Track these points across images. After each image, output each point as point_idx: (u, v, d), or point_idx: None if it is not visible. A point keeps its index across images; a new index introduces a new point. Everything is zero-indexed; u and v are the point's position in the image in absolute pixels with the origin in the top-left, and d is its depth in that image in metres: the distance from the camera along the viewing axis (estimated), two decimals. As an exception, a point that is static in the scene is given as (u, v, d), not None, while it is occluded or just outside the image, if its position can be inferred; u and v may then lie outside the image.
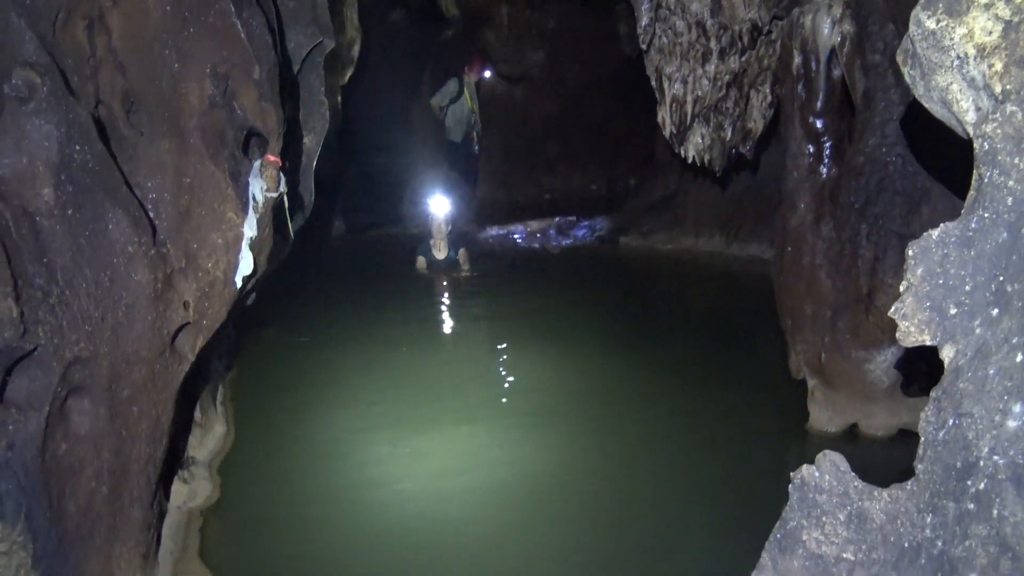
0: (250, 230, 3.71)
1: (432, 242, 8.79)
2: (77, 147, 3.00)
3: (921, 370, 4.62)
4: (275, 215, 4.01)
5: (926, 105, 1.92)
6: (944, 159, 4.27)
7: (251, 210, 3.71)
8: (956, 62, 1.74)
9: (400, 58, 11.50)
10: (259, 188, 3.75)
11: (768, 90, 5.53)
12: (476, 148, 11.46)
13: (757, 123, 5.67)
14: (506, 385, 6.03)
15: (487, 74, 11.60)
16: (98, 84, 3.42)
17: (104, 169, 3.14)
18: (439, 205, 8.77)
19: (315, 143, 5.04)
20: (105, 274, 3.10)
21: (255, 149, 3.99)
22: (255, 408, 5.42)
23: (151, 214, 3.43)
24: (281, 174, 3.85)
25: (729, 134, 5.62)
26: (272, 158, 3.80)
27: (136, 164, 3.47)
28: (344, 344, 6.78)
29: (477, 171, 11.80)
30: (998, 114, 1.65)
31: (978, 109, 1.73)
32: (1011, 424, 1.54)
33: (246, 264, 3.73)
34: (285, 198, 3.97)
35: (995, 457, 1.55)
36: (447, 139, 11.29)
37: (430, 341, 7.13)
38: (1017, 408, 1.54)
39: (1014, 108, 1.64)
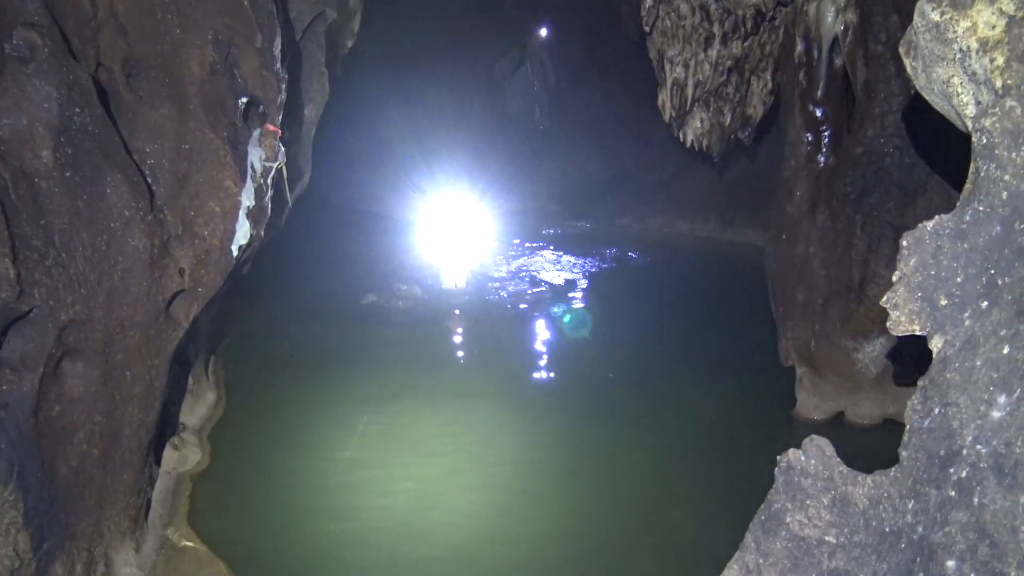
0: (248, 199, 3.71)
1: (442, 270, 7.40)
2: (77, 109, 2.99)
3: (908, 361, 4.65)
4: (273, 185, 4.01)
5: (927, 97, 1.93)
6: (941, 152, 4.29)
7: (249, 179, 3.70)
8: (958, 55, 1.75)
9: (403, 31, 11.41)
10: (258, 157, 3.75)
11: (769, 77, 5.51)
12: (537, 124, 11.08)
13: (757, 109, 5.66)
14: (497, 366, 6.05)
15: (543, 33, 10.85)
16: (99, 47, 3.40)
17: (104, 132, 3.12)
18: (458, 244, 7.33)
19: (315, 114, 5.02)
20: (102, 238, 3.10)
21: (255, 118, 3.98)
22: (246, 377, 5.43)
23: (149, 180, 3.42)
24: (280, 144, 3.84)
25: (729, 119, 5.61)
26: (272, 127, 3.79)
27: (135, 129, 3.46)
28: (337, 315, 6.78)
29: (540, 148, 11.43)
30: (997, 108, 1.67)
31: (978, 103, 1.74)
32: (995, 414, 1.57)
33: (243, 233, 3.73)
34: (284, 168, 3.97)
35: (978, 446, 1.58)
36: (508, 112, 11.00)
37: (427, 312, 7.13)
38: (1002, 399, 1.57)
39: (1014, 103, 1.65)
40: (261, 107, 3.92)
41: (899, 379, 4.65)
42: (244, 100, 3.79)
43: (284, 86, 3.93)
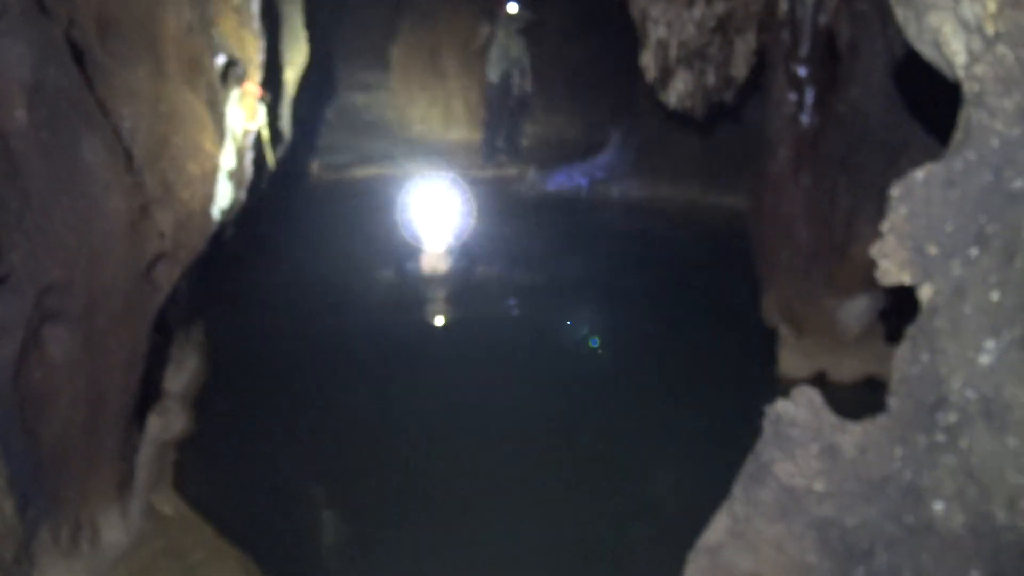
0: (228, 161, 3.66)
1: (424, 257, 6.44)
2: (51, 69, 2.92)
3: (890, 320, 4.70)
4: (254, 147, 3.95)
5: (917, 47, 1.92)
6: (925, 112, 4.30)
7: (229, 141, 3.65)
8: (950, 2, 1.74)
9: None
10: (237, 118, 3.69)
11: (753, 37, 5.48)
12: (516, 90, 11.04)
13: (740, 70, 5.63)
14: (478, 328, 6.05)
15: (512, 7, 10.81)
16: (72, 5, 3.32)
17: (79, 93, 3.06)
18: (437, 209, 6.40)
19: (294, 76, 4.95)
20: (81, 201, 3.05)
21: (233, 79, 3.91)
22: (229, 343, 5.39)
23: (127, 142, 3.37)
24: (261, 105, 3.78)
25: (712, 80, 5.60)
26: (251, 88, 3.73)
27: (111, 90, 3.39)
28: (321, 282, 6.73)
29: (514, 112, 11.41)
30: (989, 55, 1.66)
31: (969, 51, 1.74)
32: (984, 360, 1.59)
33: (224, 196, 3.68)
34: (264, 130, 3.91)
35: (967, 391, 1.60)
36: (486, 80, 10.99)
37: (409, 285, 7.08)
38: (991, 344, 1.58)
39: (1005, 50, 1.65)
40: (239, 68, 3.86)
41: (880, 337, 4.69)
42: (222, 60, 3.73)
43: (263, 46, 3.86)
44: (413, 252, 6.53)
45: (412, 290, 6.64)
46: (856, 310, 4.66)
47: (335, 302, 6.34)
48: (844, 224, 4.52)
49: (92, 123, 3.07)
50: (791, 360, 4.99)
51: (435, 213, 6.59)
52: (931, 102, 4.16)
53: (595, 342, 5.92)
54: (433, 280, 6.54)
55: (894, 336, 4.67)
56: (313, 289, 6.57)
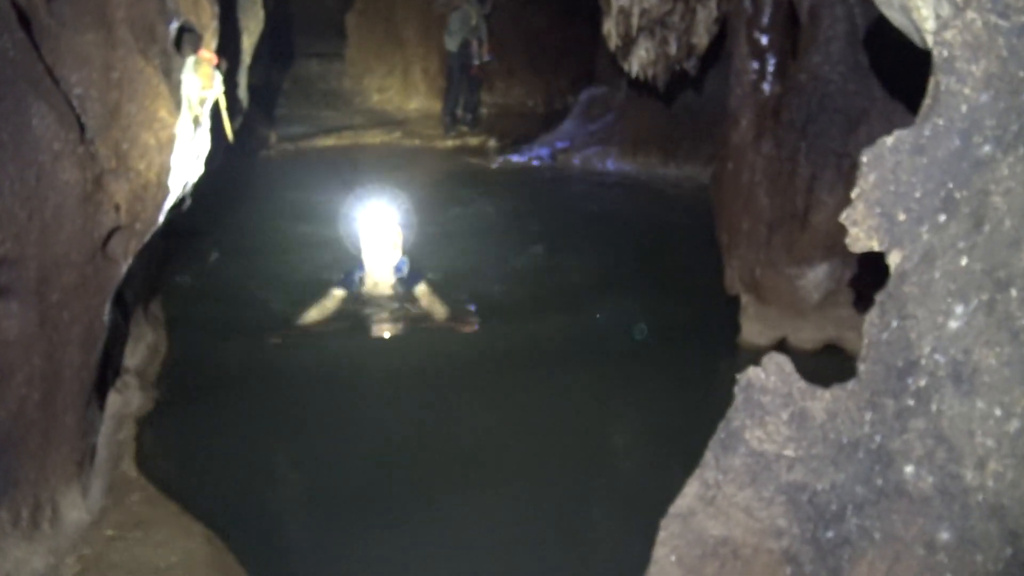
0: (185, 131, 3.56)
1: (364, 270, 5.36)
2: (-5, 33, 2.81)
3: (850, 287, 4.77)
4: (211, 116, 3.85)
5: (885, 13, 1.92)
6: (883, 80, 4.34)
7: (185, 109, 3.54)
8: (919, -32, 1.74)
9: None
10: (193, 86, 3.58)
11: (715, 5, 5.49)
12: (475, 59, 11.00)
13: (702, 38, 5.64)
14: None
15: None
16: (15, -34, 3.18)
17: (26, 59, 2.94)
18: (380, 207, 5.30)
19: (250, 44, 4.82)
20: (31, 172, 2.94)
21: (187, 45, 3.80)
22: (187, 317, 5.30)
23: (77, 110, 3.25)
24: (217, 72, 3.67)
25: (674, 49, 5.59)
26: (206, 55, 3.62)
27: (59, 56, 3.26)
28: (278, 254, 6.64)
29: (473, 82, 11.35)
30: (958, 21, 1.67)
31: (938, 16, 1.74)
32: (953, 324, 1.61)
33: (181, 166, 3.59)
34: (222, 99, 3.80)
35: (936, 356, 1.62)
36: (445, 48, 10.92)
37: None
38: (959, 309, 1.60)
39: (974, 15, 1.65)
40: (194, 34, 3.74)
41: (847, 304, 4.74)
42: (176, 25, 3.61)
43: (218, 12, 3.75)
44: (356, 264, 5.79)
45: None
46: (816, 278, 4.72)
47: (292, 278, 6.25)
48: (805, 192, 4.57)
49: (41, 91, 2.96)
50: (752, 328, 5.05)
51: (380, 225, 5.36)
52: (889, 70, 4.21)
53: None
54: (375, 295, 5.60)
55: (853, 303, 4.76)
56: (270, 265, 6.48)
